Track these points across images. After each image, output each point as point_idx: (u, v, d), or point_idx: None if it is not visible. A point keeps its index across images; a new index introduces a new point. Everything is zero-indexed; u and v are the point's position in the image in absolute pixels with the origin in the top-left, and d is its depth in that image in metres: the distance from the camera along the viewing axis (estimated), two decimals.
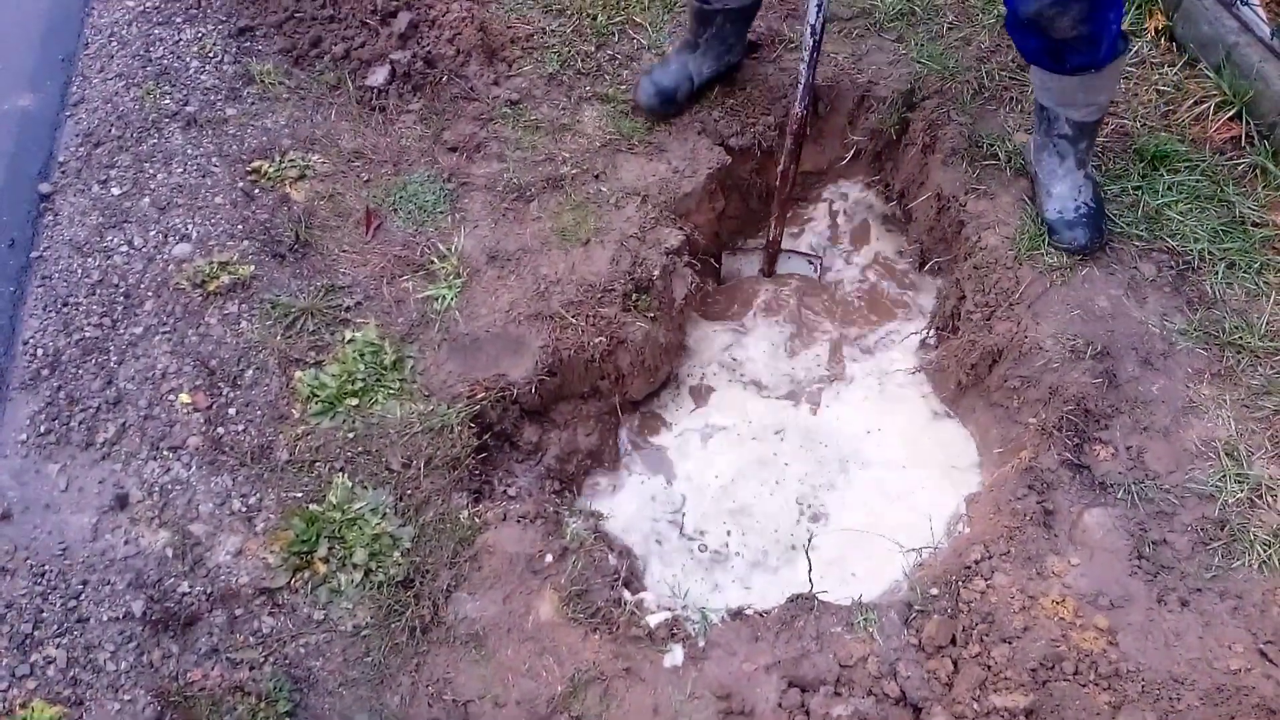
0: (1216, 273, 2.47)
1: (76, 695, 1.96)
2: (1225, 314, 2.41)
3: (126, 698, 1.96)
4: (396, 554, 2.14)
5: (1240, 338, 2.36)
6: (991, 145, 2.73)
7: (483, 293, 2.52)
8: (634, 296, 2.57)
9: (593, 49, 3.04)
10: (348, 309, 2.48)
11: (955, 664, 2.01)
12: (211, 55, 2.98)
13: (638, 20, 3.11)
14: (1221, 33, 2.77)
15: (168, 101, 2.85)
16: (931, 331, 2.83)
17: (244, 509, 2.19)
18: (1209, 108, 2.74)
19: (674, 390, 2.79)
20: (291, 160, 2.74)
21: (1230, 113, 2.72)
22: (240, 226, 2.60)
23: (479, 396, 2.34)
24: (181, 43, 3.01)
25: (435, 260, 2.57)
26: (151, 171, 2.70)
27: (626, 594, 2.16)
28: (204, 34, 3.03)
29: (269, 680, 1.99)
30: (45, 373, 2.34)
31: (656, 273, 2.59)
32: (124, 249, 2.55)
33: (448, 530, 2.19)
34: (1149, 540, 2.10)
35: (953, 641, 2.04)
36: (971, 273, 2.61)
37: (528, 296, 2.50)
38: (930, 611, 2.08)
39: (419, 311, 2.49)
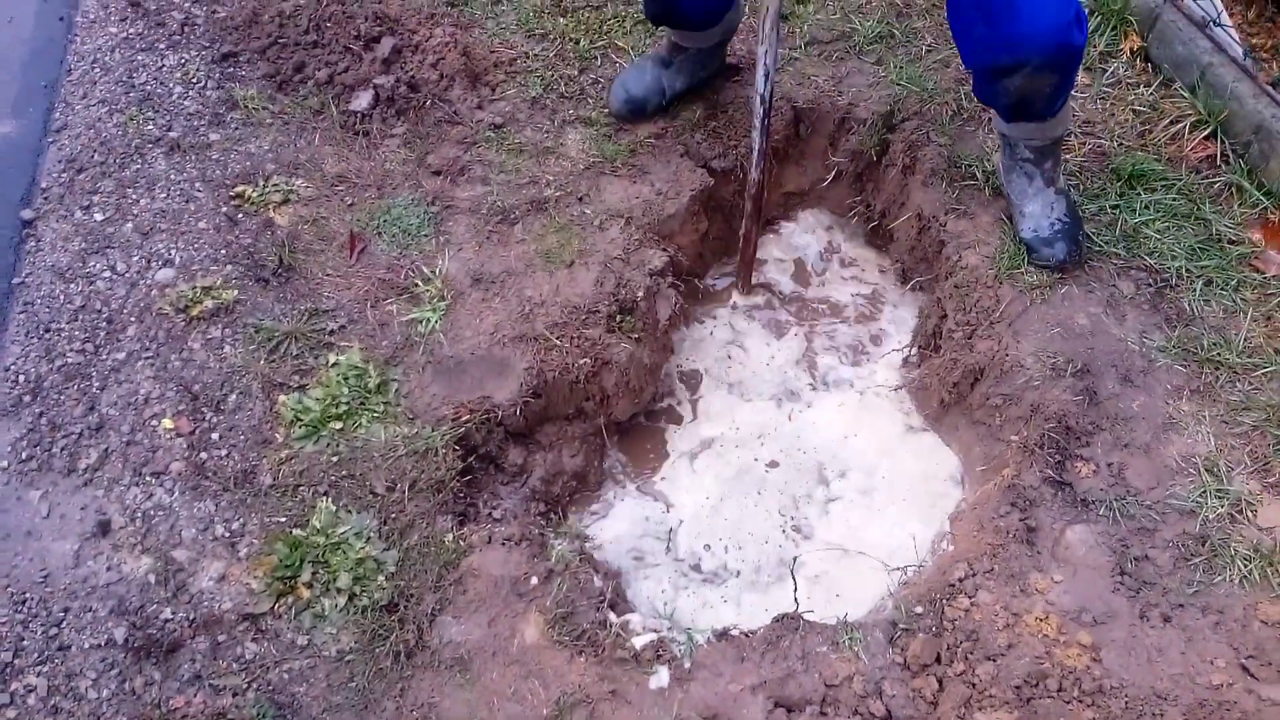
0: (1194, 290, 2.50)
1: None
2: (1203, 331, 2.43)
3: None
4: (381, 578, 2.13)
5: (1219, 354, 2.38)
6: (970, 166, 2.76)
7: (467, 315, 2.53)
8: (618, 318, 2.58)
9: (575, 73, 3.06)
10: (331, 332, 2.48)
11: (940, 682, 2.01)
12: (195, 81, 2.98)
13: (620, 44, 3.13)
14: (1196, 53, 2.81)
15: (151, 127, 2.86)
16: (914, 350, 2.84)
17: (227, 534, 2.18)
18: (1184, 127, 2.78)
19: (657, 410, 2.79)
20: (275, 185, 2.75)
21: (1205, 132, 2.75)
22: (224, 251, 2.60)
23: (463, 419, 2.34)
24: (165, 69, 3.01)
25: (419, 283, 2.57)
26: (134, 197, 2.71)
27: (612, 616, 2.16)
28: (187, 60, 3.04)
29: (252, 707, 1.98)
30: (27, 399, 2.33)
31: (640, 294, 2.60)
32: (107, 274, 2.55)
33: (432, 554, 2.18)
34: (1131, 556, 2.11)
35: (937, 660, 2.04)
36: (952, 291, 2.63)
37: (512, 319, 2.51)
38: (915, 630, 2.08)
39: (403, 334, 2.49)
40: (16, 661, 2.00)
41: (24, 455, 2.25)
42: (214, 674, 2.02)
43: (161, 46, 3.08)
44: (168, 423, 2.31)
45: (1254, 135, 2.65)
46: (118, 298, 2.51)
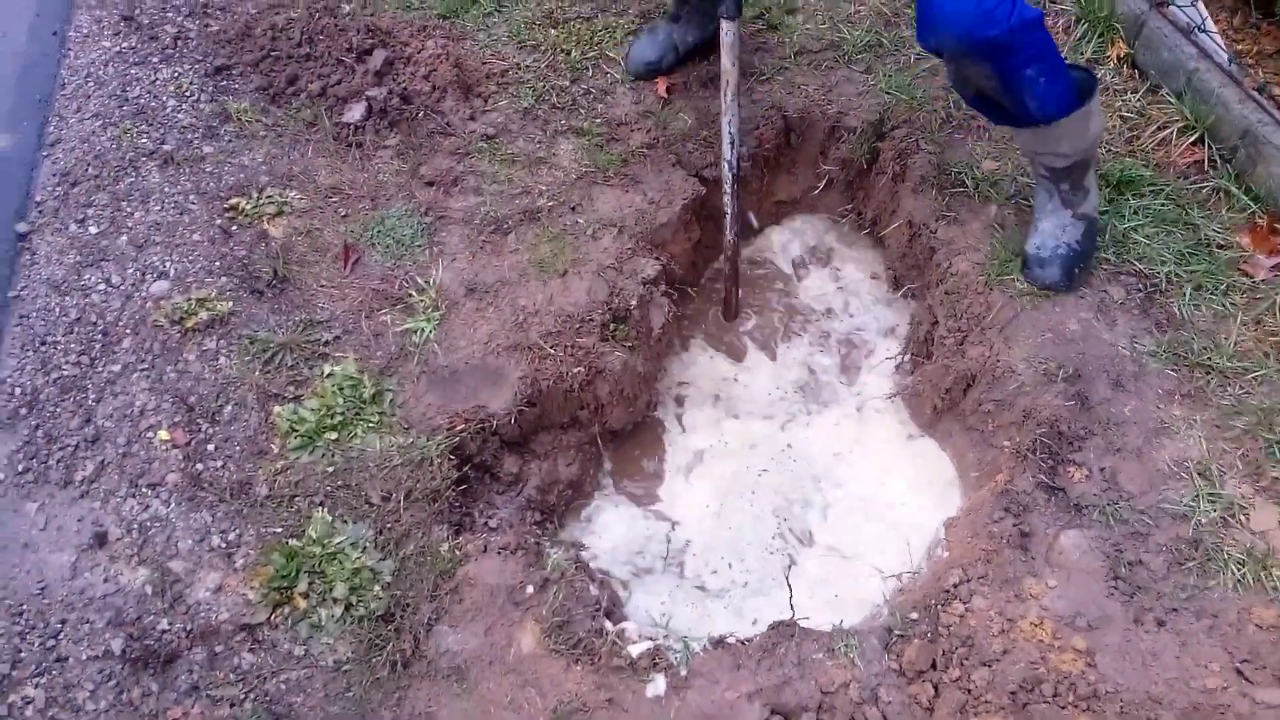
0: (1184, 295, 2.51)
1: None
2: (1193, 335, 2.45)
3: None
4: (377, 588, 2.14)
5: (1209, 358, 2.40)
6: (960, 173, 2.78)
7: (461, 325, 2.54)
8: (612, 326, 2.59)
9: (567, 83, 3.07)
10: (326, 343, 2.49)
11: (936, 688, 2.02)
12: (188, 94, 2.99)
13: (610, 55, 3.15)
14: (1182, 59, 2.83)
15: (145, 140, 2.86)
16: (906, 357, 2.86)
17: (223, 545, 2.19)
18: (1172, 133, 2.80)
19: (654, 416, 2.80)
20: (269, 197, 2.76)
21: (1193, 138, 2.77)
22: (218, 263, 2.61)
23: (458, 428, 2.35)
24: (158, 82, 3.02)
25: (413, 293, 2.58)
26: (129, 210, 2.71)
27: (608, 624, 2.17)
28: (180, 73, 3.05)
29: (250, 717, 1.98)
30: (23, 411, 2.34)
31: (634, 302, 2.61)
32: (102, 287, 2.55)
33: (428, 563, 2.19)
34: (1125, 561, 2.13)
35: (933, 666, 2.05)
36: (943, 298, 2.64)
37: (506, 328, 2.52)
38: (910, 636, 2.09)
39: (398, 345, 2.50)
40: (14, 673, 2.00)
41: (20, 467, 2.26)
42: (211, 684, 2.02)
43: (155, 60, 3.09)
44: (164, 434, 2.32)
45: (1240, 140, 2.67)
46: (113, 310, 2.51)
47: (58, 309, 2.51)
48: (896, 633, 2.10)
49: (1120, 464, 2.27)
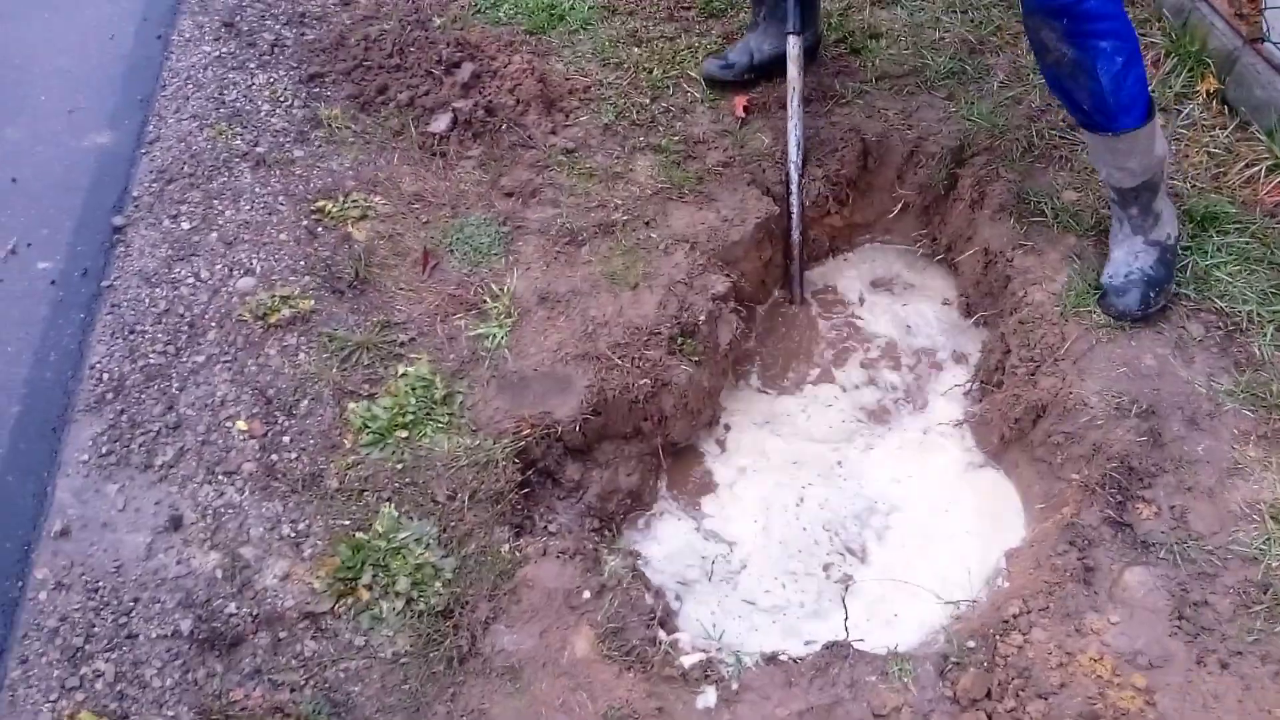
0: (1265, 335, 2.46)
1: (122, 709, 2.01)
2: (1273, 376, 2.39)
3: (170, 714, 2.01)
4: (438, 584, 2.18)
5: None
6: (1040, 202, 2.76)
7: (532, 332, 2.58)
8: (679, 340, 2.61)
9: (647, 101, 3.12)
10: (402, 344, 2.55)
11: (990, 718, 1.99)
12: (282, 100, 3.10)
13: (691, 75, 3.19)
14: (1274, 97, 2.78)
15: (238, 142, 2.97)
16: (975, 384, 2.83)
17: (293, 534, 2.25)
18: (1260, 170, 2.74)
19: (713, 431, 2.81)
20: (354, 201, 2.84)
21: None
22: (302, 262, 2.70)
23: (524, 433, 2.39)
24: (254, 87, 3.14)
25: (488, 300, 2.63)
26: (220, 208, 2.82)
27: (662, 634, 2.18)
28: (275, 79, 3.16)
29: (308, 703, 2.03)
30: (109, 396, 2.43)
31: (702, 318, 2.63)
32: (190, 281, 2.65)
33: (488, 563, 2.23)
34: (1190, 601, 2.08)
35: (988, 695, 2.02)
36: (1017, 327, 2.62)
37: (576, 337, 2.56)
38: (966, 664, 2.07)
39: (470, 349, 2.55)
40: (87, 647, 2.08)
41: (104, 450, 2.35)
42: (273, 669, 2.07)
43: (252, 66, 3.21)
44: (241, 425, 2.40)
45: None
46: (200, 303, 2.60)
47: (147, 300, 2.61)
48: (952, 660, 2.08)
49: (1191, 503, 2.23)
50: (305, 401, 2.45)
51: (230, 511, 2.27)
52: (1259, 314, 2.50)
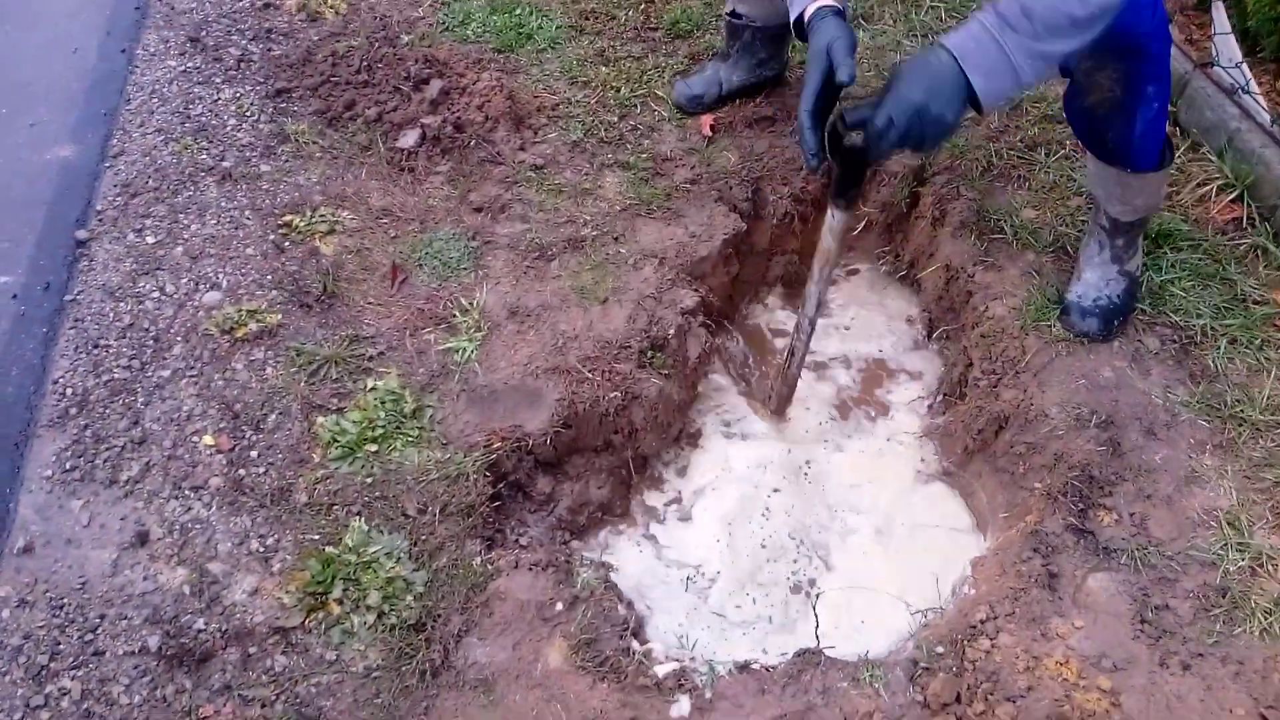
0: (1219, 348, 2.53)
1: None
2: (1227, 387, 2.46)
3: None
4: (409, 598, 2.17)
5: (1242, 411, 2.41)
6: (999, 220, 2.82)
7: (502, 346, 2.59)
8: (649, 354, 2.63)
9: (615, 119, 3.15)
10: (371, 358, 2.55)
11: None
12: (249, 114, 3.09)
13: (659, 94, 3.22)
14: (1224, 119, 2.87)
15: (204, 156, 2.96)
16: (939, 397, 2.88)
17: (262, 549, 2.23)
18: (1211, 190, 2.83)
19: (680, 443, 2.83)
20: (322, 215, 2.84)
21: (1232, 195, 2.80)
22: (269, 277, 2.69)
23: (495, 446, 2.40)
24: (220, 102, 3.13)
25: (457, 314, 2.64)
26: (186, 222, 2.80)
27: (635, 644, 2.19)
28: (242, 94, 3.16)
29: (280, 718, 2.01)
30: (73, 411, 2.40)
31: (672, 332, 2.66)
32: (155, 295, 2.63)
33: (460, 576, 2.22)
34: (1152, 605, 2.13)
35: (958, 699, 2.05)
36: (979, 341, 2.67)
37: (546, 351, 2.57)
38: (936, 669, 2.10)
39: (440, 363, 2.55)
40: (52, 664, 2.04)
41: (68, 465, 2.31)
42: (244, 685, 2.05)
43: (218, 80, 3.19)
44: (208, 439, 2.38)
45: None
46: (165, 317, 2.58)
47: (112, 314, 2.59)
48: (922, 665, 2.11)
49: (1150, 510, 2.28)
50: (273, 416, 2.43)
51: (198, 527, 2.25)
52: (1212, 327, 2.57)
